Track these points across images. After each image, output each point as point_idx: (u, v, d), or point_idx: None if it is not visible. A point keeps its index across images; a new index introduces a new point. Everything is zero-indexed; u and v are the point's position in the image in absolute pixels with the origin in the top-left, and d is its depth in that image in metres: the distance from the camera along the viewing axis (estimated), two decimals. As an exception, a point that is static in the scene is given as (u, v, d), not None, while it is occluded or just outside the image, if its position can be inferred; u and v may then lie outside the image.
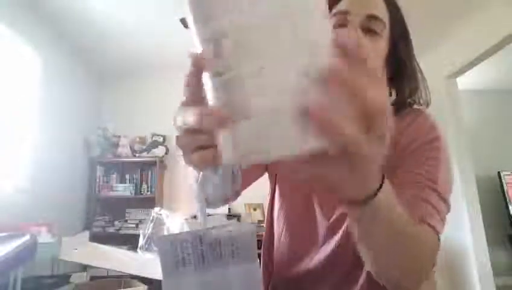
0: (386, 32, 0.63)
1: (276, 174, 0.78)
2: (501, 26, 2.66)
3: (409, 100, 0.69)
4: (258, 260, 0.46)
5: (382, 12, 0.63)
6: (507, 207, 4.02)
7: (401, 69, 0.67)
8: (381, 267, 0.47)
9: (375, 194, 0.34)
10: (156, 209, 2.39)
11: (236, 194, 0.59)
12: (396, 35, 0.66)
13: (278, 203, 0.77)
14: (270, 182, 0.80)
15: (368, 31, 0.61)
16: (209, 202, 0.41)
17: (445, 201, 0.57)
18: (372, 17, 0.61)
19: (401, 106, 0.68)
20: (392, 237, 0.41)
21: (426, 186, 0.55)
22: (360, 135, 0.25)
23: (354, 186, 0.33)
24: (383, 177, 0.35)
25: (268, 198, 0.81)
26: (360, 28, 0.61)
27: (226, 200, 0.53)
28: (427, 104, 0.69)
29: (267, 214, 0.80)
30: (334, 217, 0.67)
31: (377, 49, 0.62)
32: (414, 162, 0.58)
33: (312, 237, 0.69)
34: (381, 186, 0.35)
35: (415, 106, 0.69)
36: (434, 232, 0.52)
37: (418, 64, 0.70)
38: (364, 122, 0.25)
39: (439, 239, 0.53)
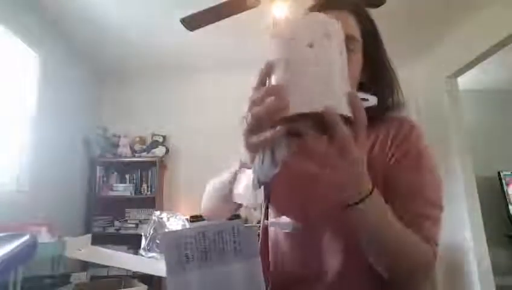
0: (359, 46, 0.67)
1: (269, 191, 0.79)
2: (501, 26, 2.67)
3: (387, 103, 0.72)
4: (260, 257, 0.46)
5: (354, 29, 0.67)
6: (507, 207, 4.02)
7: (376, 73, 0.71)
8: (373, 258, 0.57)
9: (362, 200, 0.47)
10: (157, 213, 2.40)
11: (235, 210, 0.69)
12: (370, 44, 0.69)
13: (272, 210, 0.77)
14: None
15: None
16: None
17: (439, 207, 0.63)
18: (346, 37, 0.63)
19: (380, 109, 0.70)
20: (378, 237, 0.53)
21: (419, 199, 0.62)
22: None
23: (348, 190, 0.47)
24: (373, 188, 0.48)
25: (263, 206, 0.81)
26: None
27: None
28: (403, 106, 0.73)
29: (262, 221, 0.80)
30: (326, 219, 0.68)
31: (352, 66, 0.65)
32: (405, 176, 0.64)
33: (307, 239, 0.70)
34: (370, 192, 0.48)
35: (395, 110, 0.73)
36: (433, 242, 0.60)
37: (392, 69, 0.74)
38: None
39: (437, 245, 0.61)
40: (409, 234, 0.56)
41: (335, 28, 0.39)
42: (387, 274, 0.58)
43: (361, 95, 0.44)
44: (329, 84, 0.37)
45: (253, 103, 0.41)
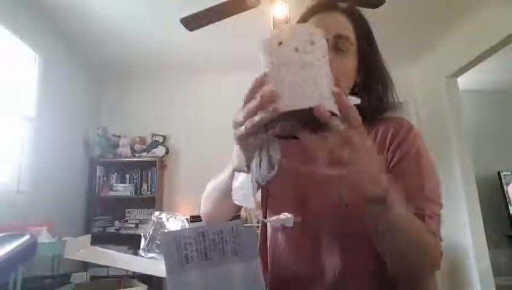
0: (353, 47, 0.68)
1: (267, 191, 0.79)
2: (501, 26, 2.67)
3: (383, 102, 0.73)
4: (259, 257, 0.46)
5: (347, 29, 0.68)
6: (507, 207, 4.02)
7: (371, 73, 0.72)
8: (387, 254, 0.57)
9: (386, 195, 0.46)
10: (156, 213, 2.40)
11: (234, 212, 0.69)
12: (364, 45, 0.70)
13: (270, 211, 0.77)
14: (262, 201, 0.81)
15: (337, 50, 0.66)
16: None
17: (439, 204, 0.64)
18: (338, 37, 0.66)
19: (376, 109, 0.71)
20: (398, 230, 0.52)
21: (420, 197, 0.62)
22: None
23: (369, 186, 0.44)
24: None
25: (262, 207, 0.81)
26: (330, 48, 0.64)
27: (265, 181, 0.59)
28: (399, 105, 0.74)
29: (261, 221, 0.81)
30: (323, 220, 0.68)
31: (344, 66, 0.67)
32: (405, 176, 0.64)
33: (306, 239, 0.70)
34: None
35: (391, 110, 0.73)
36: (437, 237, 0.60)
37: (386, 69, 0.74)
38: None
39: (440, 241, 0.61)
40: (422, 226, 0.57)
41: (318, 36, 0.44)
42: (394, 268, 0.58)
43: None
44: (315, 85, 0.40)
45: (247, 100, 0.44)
